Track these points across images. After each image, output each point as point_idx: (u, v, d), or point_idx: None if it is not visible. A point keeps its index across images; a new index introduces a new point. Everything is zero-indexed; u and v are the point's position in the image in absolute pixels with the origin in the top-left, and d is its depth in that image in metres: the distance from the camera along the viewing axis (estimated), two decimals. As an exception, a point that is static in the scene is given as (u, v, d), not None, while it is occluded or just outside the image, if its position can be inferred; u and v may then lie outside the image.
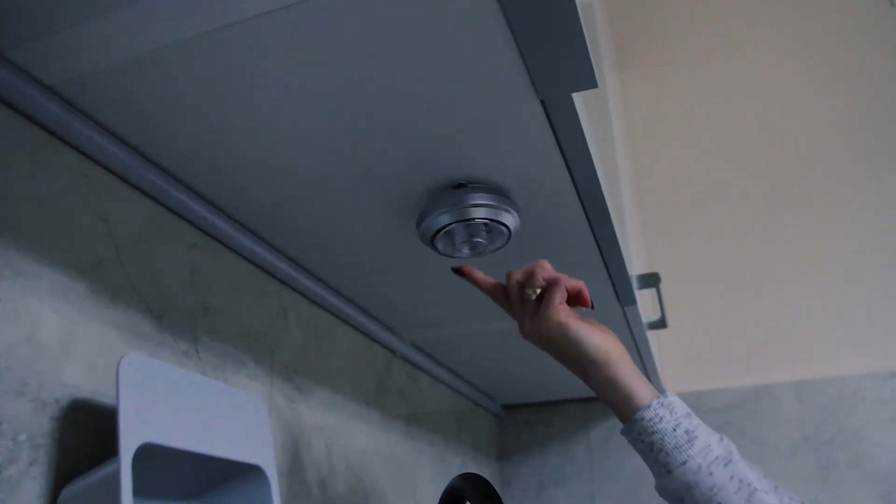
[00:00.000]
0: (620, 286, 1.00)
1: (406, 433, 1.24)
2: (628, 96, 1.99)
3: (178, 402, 0.59)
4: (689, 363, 1.73)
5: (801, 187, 1.78)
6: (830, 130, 1.80)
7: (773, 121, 1.85)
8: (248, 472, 0.68)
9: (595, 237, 0.84)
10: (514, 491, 1.76)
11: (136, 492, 0.61)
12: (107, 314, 0.65)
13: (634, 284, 1.08)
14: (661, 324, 1.31)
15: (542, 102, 0.60)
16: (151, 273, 0.71)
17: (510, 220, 0.72)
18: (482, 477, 0.73)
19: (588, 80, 0.57)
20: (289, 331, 0.93)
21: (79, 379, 0.61)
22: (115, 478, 0.52)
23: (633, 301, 1.05)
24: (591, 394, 1.68)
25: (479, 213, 0.70)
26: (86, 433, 0.60)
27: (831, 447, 1.58)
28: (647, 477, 1.77)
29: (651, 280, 1.16)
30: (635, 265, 1.24)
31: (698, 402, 1.68)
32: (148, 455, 0.57)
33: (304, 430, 0.93)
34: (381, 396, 1.16)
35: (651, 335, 1.39)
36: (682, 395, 1.67)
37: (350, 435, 1.04)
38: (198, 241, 0.78)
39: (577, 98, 0.61)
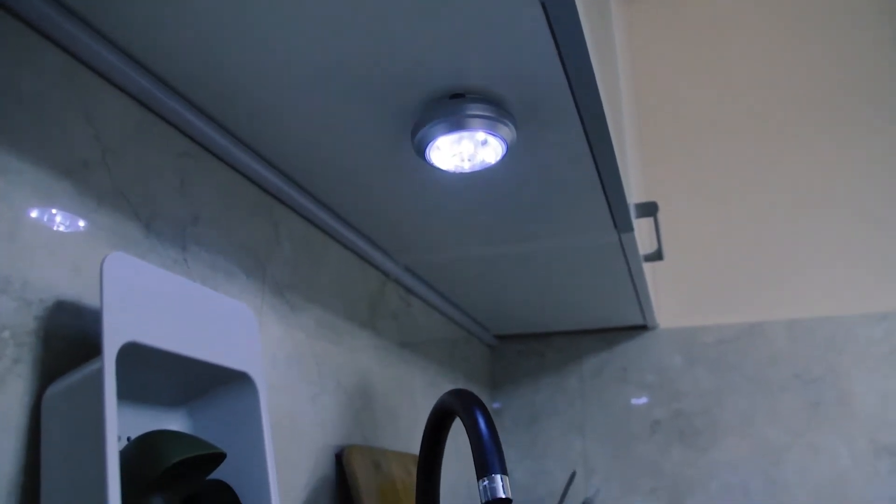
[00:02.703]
0: (618, 212, 0.99)
1: (399, 356, 1.25)
2: (633, 30, 1.95)
3: (164, 304, 0.59)
4: (684, 298, 1.74)
5: (801, 125, 1.76)
6: (834, 69, 1.76)
7: (776, 57, 1.81)
8: (235, 380, 0.67)
9: (594, 156, 0.82)
10: (506, 420, 1.78)
11: (122, 395, 0.61)
12: (93, 217, 0.63)
13: (632, 212, 1.06)
14: (657, 256, 1.30)
15: (543, 5, 0.58)
16: (139, 179, 0.69)
17: (507, 132, 0.70)
18: (472, 392, 0.73)
19: (592, -19, 0.55)
20: (280, 247, 0.92)
21: (64, 280, 0.60)
22: (99, 375, 0.51)
23: (630, 228, 1.04)
24: (585, 326, 1.71)
25: (475, 124, 0.68)
26: (71, 334, 0.60)
27: (821, 385, 1.60)
28: (637, 409, 1.79)
29: (649, 209, 1.15)
30: (634, 195, 1.22)
31: (692, 338, 1.69)
32: (133, 359, 0.57)
33: (295, 346, 0.93)
34: (373, 318, 1.16)
35: (647, 268, 1.38)
36: (676, 331, 1.71)
37: (342, 354, 1.04)
38: (188, 149, 0.77)
39: (579, 1, 0.59)
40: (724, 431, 1.63)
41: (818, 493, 1.54)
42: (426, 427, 0.81)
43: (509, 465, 1.75)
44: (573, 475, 1.53)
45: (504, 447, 1.78)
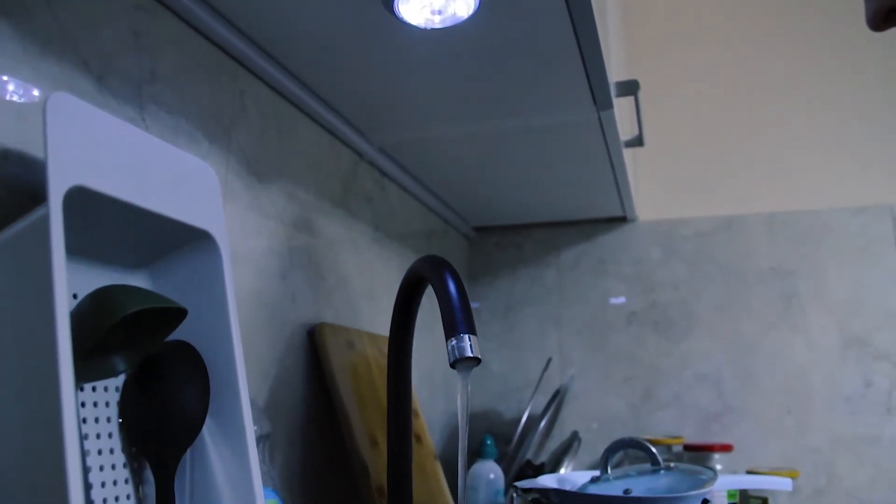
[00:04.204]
0: (597, 86, 0.95)
1: (373, 239, 1.23)
2: None
3: (116, 151, 0.55)
4: (663, 190, 1.72)
5: (786, 18, 1.71)
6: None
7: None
8: (197, 241, 0.65)
9: (572, 20, 0.78)
10: (483, 312, 1.79)
11: (76, 252, 0.59)
12: (37, 64, 0.60)
13: (612, 89, 1.03)
14: (637, 141, 1.28)
15: None
16: (89, 29, 0.65)
17: (480, -18, 0.66)
18: (442, 258, 0.71)
19: None
20: (247, 116, 0.88)
21: (9, 129, 0.56)
22: (46, 221, 0.48)
23: (609, 104, 1.01)
24: (563, 218, 1.70)
25: (446, -29, 0.64)
26: (17, 185, 0.57)
27: (796, 277, 1.61)
28: (613, 305, 1.79)
29: (630, 87, 1.11)
30: (615, 75, 1.18)
31: (671, 231, 1.69)
32: (85, 212, 0.54)
33: (263, 218, 0.90)
34: (347, 199, 1.13)
35: (627, 158, 1.36)
36: (654, 223, 1.70)
37: (313, 231, 1.02)
38: (142, 2, 0.72)
39: None
40: (698, 323, 1.65)
41: (787, 382, 1.57)
42: (398, 295, 0.80)
43: (486, 357, 1.77)
44: (548, 362, 1.54)
45: (481, 339, 1.79)
